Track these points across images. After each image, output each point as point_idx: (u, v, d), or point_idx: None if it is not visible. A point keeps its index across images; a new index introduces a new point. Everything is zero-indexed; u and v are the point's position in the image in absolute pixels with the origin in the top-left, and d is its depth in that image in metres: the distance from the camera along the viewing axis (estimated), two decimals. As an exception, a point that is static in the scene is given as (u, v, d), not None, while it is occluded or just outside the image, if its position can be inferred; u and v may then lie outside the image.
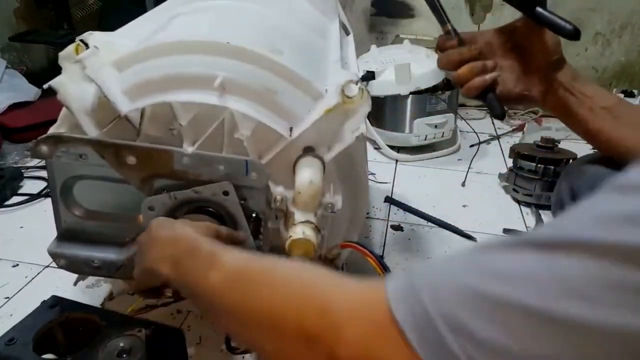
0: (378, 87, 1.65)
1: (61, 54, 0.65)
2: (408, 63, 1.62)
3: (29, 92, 1.79)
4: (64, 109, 0.66)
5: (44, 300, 0.68)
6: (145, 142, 0.64)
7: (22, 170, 1.44)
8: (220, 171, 0.63)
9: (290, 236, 0.61)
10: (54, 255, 0.70)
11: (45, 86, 0.64)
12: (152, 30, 0.73)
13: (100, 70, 0.63)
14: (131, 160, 0.63)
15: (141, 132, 0.64)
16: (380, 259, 0.74)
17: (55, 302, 0.67)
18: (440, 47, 0.74)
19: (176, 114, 0.62)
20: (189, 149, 0.63)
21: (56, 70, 0.66)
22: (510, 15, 2.08)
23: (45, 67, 2.18)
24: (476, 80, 0.67)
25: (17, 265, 1.08)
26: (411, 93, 1.63)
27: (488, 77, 0.67)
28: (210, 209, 0.65)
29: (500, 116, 0.66)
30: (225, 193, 0.64)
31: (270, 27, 0.77)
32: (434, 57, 1.72)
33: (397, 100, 1.64)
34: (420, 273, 0.35)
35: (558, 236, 0.29)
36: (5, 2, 2.07)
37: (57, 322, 0.65)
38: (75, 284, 0.81)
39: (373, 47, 1.81)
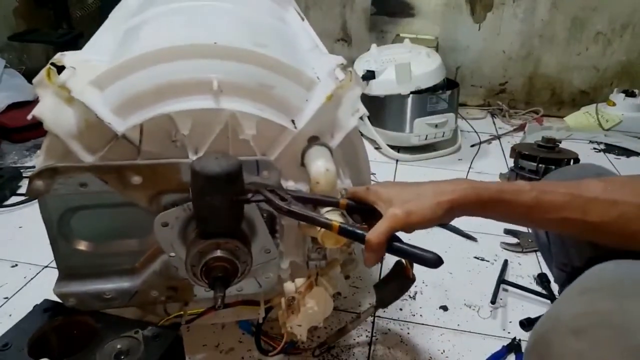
0: (378, 87, 1.65)
1: (35, 80, 0.60)
2: (408, 62, 1.62)
3: (28, 91, 1.78)
4: (46, 140, 0.61)
5: (37, 304, 0.67)
6: (146, 159, 0.61)
7: (21, 170, 1.44)
8: None
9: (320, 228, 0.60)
10: (61, 296, 0.67)
11: (29, 117, 0.59)
12: (120, 42, 0.70)
13: (85, 92, 0.60)
14: (136, 180, 0.60)
15: (141, 149, 0.61)
16: (398, 237, 0.74)
17: (49, 306, 0.67)
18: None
19: (177, 125, 0.60)
20: (194, 158, 0.60)
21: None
22: (510, 15, 2.08)
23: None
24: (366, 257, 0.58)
25: (16, 265, 1.07)
26: (412, 92, 1.62)
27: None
28: None
29: (432, 262, 0.56)
30: None
31: (242, 21, 0.74)
32: (435, 56, 1.72)
33: (397, 99, 1.63)
34: None
35: None
36: (4, 1, 2.07)
37: (52, 326, 0.64)
38: None
39: (373, 46, 1.80)
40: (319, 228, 0.60)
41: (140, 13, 0.76)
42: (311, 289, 0.72)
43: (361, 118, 0.68)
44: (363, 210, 0.61)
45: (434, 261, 0.56)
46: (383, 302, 0.79)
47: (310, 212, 0.59)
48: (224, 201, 0.56)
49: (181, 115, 0.60)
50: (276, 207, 0.58)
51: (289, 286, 0.72)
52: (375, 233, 0.55)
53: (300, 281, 0.73)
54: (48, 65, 0.60)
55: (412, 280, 0.74)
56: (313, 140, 0.65)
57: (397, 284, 0.76)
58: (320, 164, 0.61)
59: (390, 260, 1.16)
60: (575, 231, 0.56)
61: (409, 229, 0.56)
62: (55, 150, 0.61)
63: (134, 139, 0.60)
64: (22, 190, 1.37)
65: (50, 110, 0.59)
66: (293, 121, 0.64)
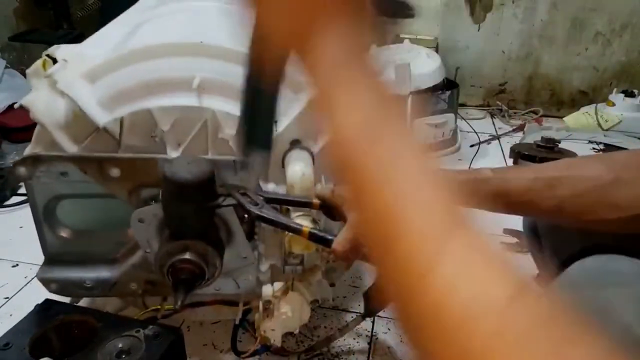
0: (378, 87, 1.65)
1: (28, 71, 0.62)
2: (408, 63, 1.62)
3: (28, 92, 1.79)
4: (37, 128, 0.63)
5: (38, 304, 0.67)
6: (127, 153, 0.62)
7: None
8: None
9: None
10: (44, 281, 0.68)
11: (16, 106, 0.61)
12: (121, 38, 0.71)
13: (72, 84, 0.62)
14: (115, 172, 0.61)
15: (122, 142, 0.62)
16: None
17: (49, 306, 0.67)
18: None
19: (157, 120, 0.60)
20: (173, 154, 0.61)
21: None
22: (510, 15, 2.08)
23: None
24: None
25: (17, 265, 1.08)
26: (411, 93, 1.63)
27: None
28: None
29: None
30: None
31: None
32: (434, 56, 1.72)
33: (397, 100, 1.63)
34: None
35: None
36: (5, 2, 2.07)
37: (52, 326, 0.65)
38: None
39: (373, 46, 1.80)
40: (287, 232, 0.60)
41: (151, 10, 0.78)
42: (286, 294, 0.71)
43: None
44: (334, 210, 0.61)
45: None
46: (371, 311, 0.79)
47: (281, 216, 0.59)
48: (194, 207, 0.57)
49: (161, 111, 0.60)
50: (247, 211, 0.58)
51: (267, 289, 0.72)
52: (340, 241, 0.56)
53: (279, 285, 0.72)
54: (44, 56, 0.61)
55: None
56: (295, 143, 0.65)
57: (382, 294, 0.75)
58: (297, 168, 0.61)
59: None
60: (543, 212, 0.57)
61: None
62: (43, 139, 0.63)
63: (115, 132, 0.61)
64: (23, 190, 1.37)
65: (41, 100, 0.61)
66: (276, 123, 0.64)
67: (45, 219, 0.66)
